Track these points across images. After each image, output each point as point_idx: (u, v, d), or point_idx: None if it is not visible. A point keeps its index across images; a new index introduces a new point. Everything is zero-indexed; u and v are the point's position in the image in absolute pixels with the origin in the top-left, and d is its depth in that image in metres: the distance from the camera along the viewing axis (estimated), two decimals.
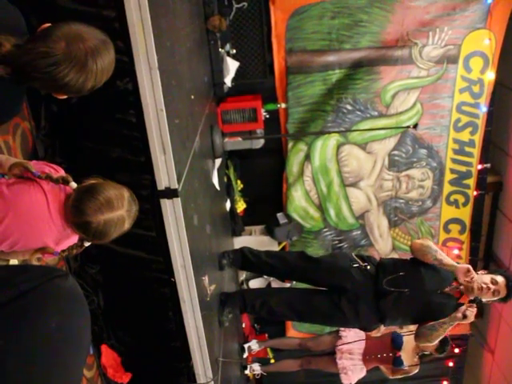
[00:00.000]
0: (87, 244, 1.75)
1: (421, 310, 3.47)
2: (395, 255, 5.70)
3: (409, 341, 4.57)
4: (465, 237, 5.81)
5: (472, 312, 3.26)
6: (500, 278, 3.33)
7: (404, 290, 3.46)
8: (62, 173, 1.76)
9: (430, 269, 3.48)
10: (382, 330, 4.79)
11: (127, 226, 1.71)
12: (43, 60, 1.41)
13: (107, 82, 1.59)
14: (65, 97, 1.59)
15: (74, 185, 1.70)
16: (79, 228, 1.67)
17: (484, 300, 3.38)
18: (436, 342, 3.55)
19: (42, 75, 1.43)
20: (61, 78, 1.44)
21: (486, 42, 5.01)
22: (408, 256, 3.77)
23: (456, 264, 3.39)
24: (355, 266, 3.69)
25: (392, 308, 3.54)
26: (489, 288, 3.29)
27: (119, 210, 1.66)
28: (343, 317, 3.67)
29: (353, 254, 3.87)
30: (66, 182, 1.69)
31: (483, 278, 3.36)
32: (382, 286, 3.49)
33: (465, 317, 3.26)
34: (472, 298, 3.32)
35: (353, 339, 4.59)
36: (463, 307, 3.28)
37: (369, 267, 3.66)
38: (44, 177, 1.66)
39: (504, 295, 3.32)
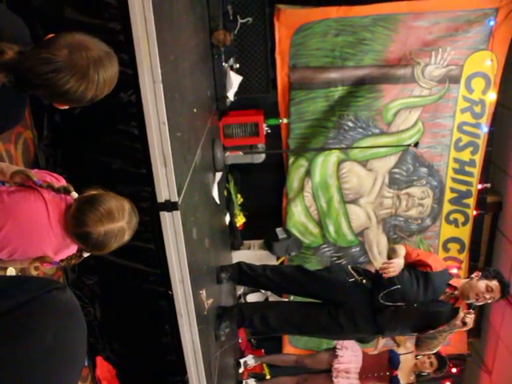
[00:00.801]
0: (86, 254, 1.74)
1: (418, 321, 3.54)
2: None
3: (406, 360, 4.56)
4: (464, 256, 5.80)
5: (471, 318, 3.34)
6: (495, 283, 3.36)
7: (401, 304, 3.51)
8: (63, 182, 1.76)
9: (424, 279, 3.54)
10: (380, 347, 4.78)
11: (127, 237, 1.71)
12: (45, 66, 1.41)
13: (110, 93, 1.60)
14: (66, 107, 1.59)
15: (75, 195, 1.70)
16: (79, 238, 1.66)
17: (481, 303, 3.47)
18: (437, 349, 3.66)
19: (42, 82, 1.42)
20: (61, 86, 1.43)
21: (488, 63, 5.04)
22: None
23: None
24: (351, 280, 3.72)
25: (390, 322, 3.60)
26: (485, 297, 3.35)
27: (120, 222, 1.65)
28: (341, 330, 3.72)
29: (349, 267, 3.91)
30: (67, 192, 1.69)
31: (479, 285, 3.38)
32: (379, 301, 3.54)
33: (464, 324, 3.33)
34: (468, 302, 3.40)
35: (349, 358, 4.56)
36: (461, 314, 3.35)
37: (364, 281, 3.71)
38: (45, 186, 1.65)
39: (497, 298, 3.39)
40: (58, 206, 1.66)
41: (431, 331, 3.46)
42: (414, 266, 3.61)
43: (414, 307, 3.50)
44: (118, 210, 1.65)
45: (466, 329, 3.46)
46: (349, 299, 3.67)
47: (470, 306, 3.41)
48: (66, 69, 1.42)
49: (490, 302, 3.42)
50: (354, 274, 3.77)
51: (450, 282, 3.55)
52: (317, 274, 3.99)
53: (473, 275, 3.50)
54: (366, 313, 3.63)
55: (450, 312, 3.44)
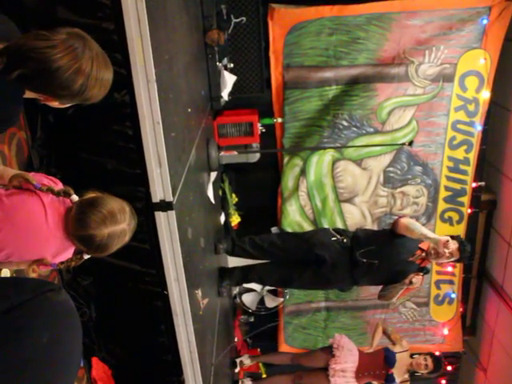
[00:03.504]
0: (87, 257, 1.74)
1: (387, 277, 4.08)
2: None
3: (401, 358, 4.57)
4: None
5: (418, 279, 3.90)
6: (454, 242, 3.80)
7: (374, 261, 4.02)
8: (61, 185, 1.75)
9: (398, 242, 4.03)
10: (375, 344, 4.79)
11: (127, 239, 1.72)
12: (41, 42, 1.43)
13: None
14: (55, 103, 1.57)
15: (75, 198, 1.69)
16: (82, 241, 1.66)
17: (441, 261, 3.98)
18: (393, 300, 4.27)
19: (35, 55, 1.42)
20: (53, 61, 1.43)
21: (482, 61, 5.05)
22: None
23: (437, 236, 3.88)
24: (334, 239, 4.24)
25: (364, 276, 4.19)
26: (445, 251, 3.74)
27: (122, 224, 1.66)
28: (326, 280, 4.33)
29: (330, 229, 4.44)
30: (67, 195, 1.68)
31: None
32: (356, 257, 4.07)
33: (411, 283, 3.89)
34: (431, 261, 3.97)
35: (346, 358, 4.56)
36: (412, 275, 3.90)
37: (345, 240, 4.22)
38: (45, 189, 1.65)
39: (457, 257, 3.84)
40: (57, 209, 1.66)
41: (389, 286, 4.05)
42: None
43: (385, 265, 4.00)
44: (119, 211, 1.65)
45: (412, 287, 3.98)
46: (331, 256, 4.17)
47: (422, 270, 3.93)
48: (62, 47, 1.44)
49: (451, 260, 3.87)
50: (336, 234, 4.27)
51: (420, 246, 3.96)
52: (301, 234, 4.70)
53: None
54: (345, 267, 4.15)
55: (414, 272, 3.93)
